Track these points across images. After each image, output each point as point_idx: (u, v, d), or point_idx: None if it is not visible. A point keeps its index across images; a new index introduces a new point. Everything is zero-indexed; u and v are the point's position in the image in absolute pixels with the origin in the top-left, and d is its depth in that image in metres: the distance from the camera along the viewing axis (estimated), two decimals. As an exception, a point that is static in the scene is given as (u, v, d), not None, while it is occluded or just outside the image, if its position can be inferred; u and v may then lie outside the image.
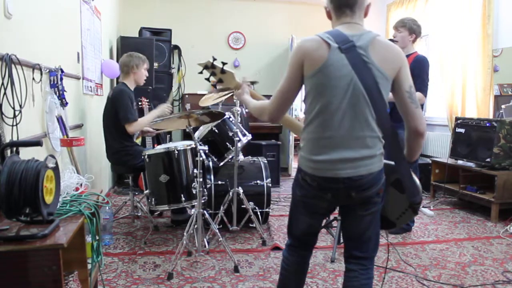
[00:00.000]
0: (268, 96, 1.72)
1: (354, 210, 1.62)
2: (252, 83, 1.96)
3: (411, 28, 3.33)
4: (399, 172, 1.63)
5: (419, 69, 3.29)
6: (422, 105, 3.37)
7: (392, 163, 1.64)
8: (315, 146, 1.55)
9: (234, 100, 3.27)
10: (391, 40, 3.44)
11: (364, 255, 1.66)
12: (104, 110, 3.39)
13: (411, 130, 1.61)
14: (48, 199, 1.49)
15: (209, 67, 1.94)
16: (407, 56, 3.38)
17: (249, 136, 3.46)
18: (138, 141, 4.06)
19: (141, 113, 3.90)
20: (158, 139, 4.88)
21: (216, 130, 3.37)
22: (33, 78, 2.29)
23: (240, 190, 3.23)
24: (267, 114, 1.65)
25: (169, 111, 3.42)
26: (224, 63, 1.95)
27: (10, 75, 1.90)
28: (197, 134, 3.39)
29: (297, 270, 1.77)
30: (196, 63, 2.01)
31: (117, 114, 3.23)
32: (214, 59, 1.93)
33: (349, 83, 1.47)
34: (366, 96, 1.48)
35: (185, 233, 2.71)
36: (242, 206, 3.23)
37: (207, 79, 1.95)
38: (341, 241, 3.08)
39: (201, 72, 1.98)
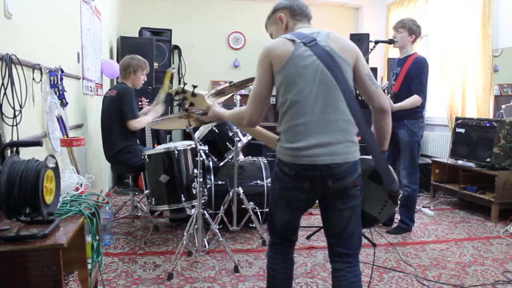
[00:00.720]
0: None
1: (333, 204, 1.65)
2: (194, 86, 2.03)
3: (410, 29, 3.33)
4: (374, 159, 1.65)
5: (418, 70, 3.29)
6: (421, 106, 3.38)
7: (368, 157, 1.68)
8: (291, 134, 1.60)
9: (234, 100, 3.28)
10: (391, 40, 3.45)
11: (348, 251, 1.69)
12: (106, 109, 3.39)
13: (376, 109, 1.70)
14: (48, 199, 1.49)
15: (180, 92, 2.02)
16: (407, 57, 3.38)
17: (249, 136, 3.45)
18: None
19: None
20: (158, 139, 4.88)
21: (216, 130, 3.37)
22: (33, 78, 2.29)
23: (240, 190, 3.23)
24: (246, 118, 1.71)
25: (163, 110, 3.48)
26: (194, 86, 2.03)
27: (10, 75, 1.90)
28: (197, 134, 3.38)
29: (283, 267, 1.80)
30: (165, 91, 2.11)
31: (122, 110, 3.25)
32: (185, 84, 2.03)
33: (316, 70, 1.57)
34: (334, 81, 1.57)
35: (185, 233, 2.71)
36: (242, 206, 3.23)
37: (179, 104, 2.05)
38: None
39: (173, 97, 2.08)
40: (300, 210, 1.76)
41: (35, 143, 1.62)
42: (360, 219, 1.70)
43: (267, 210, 3.49)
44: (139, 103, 4.00)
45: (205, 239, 2.93)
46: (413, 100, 3.27)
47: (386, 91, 3.33)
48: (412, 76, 3.30)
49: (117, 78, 4.84)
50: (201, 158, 2.70)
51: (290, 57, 1.58)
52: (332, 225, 1.70)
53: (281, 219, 1.75)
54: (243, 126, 1.78)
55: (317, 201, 1.74)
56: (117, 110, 3.28)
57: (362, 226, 1.75)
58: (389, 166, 1.67)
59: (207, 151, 3.10)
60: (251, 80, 3.15)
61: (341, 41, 1.64)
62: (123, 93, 3.29)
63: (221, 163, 3.42)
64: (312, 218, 3.89)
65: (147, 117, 3.44)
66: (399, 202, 1.74)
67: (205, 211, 2.85)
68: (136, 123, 3.28)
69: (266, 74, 1.64)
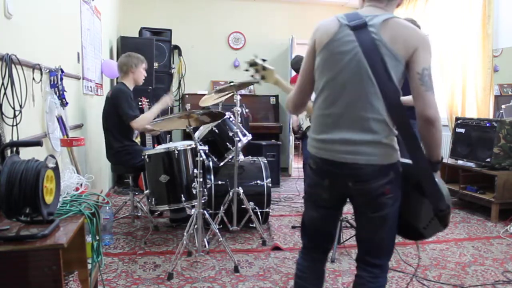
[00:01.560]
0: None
1: (361, 209, 1.55)
2: (264, 60, 2.07)
3: None
4: (417, 171, 1.44)
5: None
6: None
7: (409, 161, 1.48)
8: (318, 123, 1.54)
9: (235, 100, 3.28)
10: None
11: (374, 261, 1.57)
12: (103, 110, 3.39)
13: (419, 116, 1.41)
14: (48, 199, 1.49)
15: (253, 64, 2.03)
16: None
17: (249, 136, 3.46)
18: (138, 140, 4.06)
19: (141, 113, 3.89)
20: (158, 139, 4.88)
21: (216, 130, 3.37)
22: (33, 78, 2.29)
23: (240, 190, 3.22)
24: (289, 108, 1.70)
25: (172, 102, 3.41)
26: (264, 60, 2.04)
27: (10, 75, 1.90)
28: (197, 134, 3.38)
29: (312, 278, 1.66)
30: (243, 61, 2.13)
31: (118, 113, 3.23)
32: (255, 57, 2.03)
33: (352, 58, 1.42)
34: (371, 74, 1.40)
35: (185, 233, 2.71)
36: (242, 206, 3.23)
37: (252, 76, 2.05)
38: (341, 241, 3.10)
39: (246, 70, 2.07)
40: (325, 209, 1.61)
41: (35, 143, 1.62)
42: (393, 230, 1.55)
43: (267, 210, 3.50)
44: (139, 103, 4.00)
45: (205, 239, 2.93)
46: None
47: None
48: None
49: (117, 78, 4.85)
50: (201, 158, 2.70)
51: (330, 40, 1.46)
52: (360, 230, 1.60)
53: (309, 218, 1.66)
54: (289, 109, 1.75)
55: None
56: (111, 111, 3.28)
57: (406, 236, 1.62)
58: (438, 180, 1.44)
59: (207, 151, 3.10)
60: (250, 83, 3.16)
61: (397, 30, 1.41)
62: (116, 96, 3.26)
63: (221, 163, 3.42)
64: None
65: (150, 112, 3.37)
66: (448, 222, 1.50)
67: (205, 211, 2.85)
68: (135, 123, 3.22)
69: (310, 57, 1.55)
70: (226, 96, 3.35)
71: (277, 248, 3.08)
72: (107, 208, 3.00)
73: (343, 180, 1.49)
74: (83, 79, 3.55)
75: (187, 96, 6.09)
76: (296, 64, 4.33)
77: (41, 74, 2.38)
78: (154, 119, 3.19)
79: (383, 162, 1.44)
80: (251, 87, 6.22)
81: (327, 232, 1.67)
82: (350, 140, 1.44)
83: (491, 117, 4.42)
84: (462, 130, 4.25)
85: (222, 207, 3.25)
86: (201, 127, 3.46)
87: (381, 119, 1.42)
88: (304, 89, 1.61)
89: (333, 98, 1.47)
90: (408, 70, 1.42)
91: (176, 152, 2.95)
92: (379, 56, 1.39)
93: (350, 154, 1.44)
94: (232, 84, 3.04)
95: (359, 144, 1.43)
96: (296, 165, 6.20)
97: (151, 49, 5.01)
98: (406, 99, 3.46)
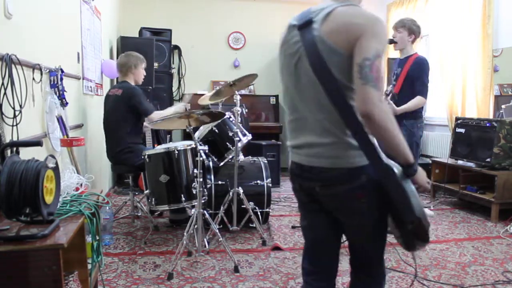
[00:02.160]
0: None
1: (338, 218, 1.45)
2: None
3: (410, 29, 3.33)
4: (377, 174, 1.30)
5: (419, 70, 3.29)
6: (422, 106, 3.39)
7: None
8: (289, 130, 1.51)
9: (234, 100, 3.28)
10: (391, 40, 3.45)
11: (362, 269, 1.52)
12: (111, 108, 3.39)
13: (358, 113, 1.27)
14: (48, 199, 1.49)
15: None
16: (408, 57, 3.38)
17: (249, 136, 3.46)
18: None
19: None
20: (158, 139, 4.88)
21: (216, 130, 3.37)
22: (33, 78, 2.29)
23: (240, 190, 3.22)
24: None
25: (187, 109, 3.48)
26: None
27: (10, 75, 1.90)
28: (197, 134, 3.38)
29: None
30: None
31: (137, 109, 3.30)
32: None
33: (297, 60, 1.36)
34: (312, 73, 1.31)
35: (185, 233, 2.71)
36: (242, 206, 3.23)
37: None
38: (341, 240, 3.09)
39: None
40: (311, 213, 1.51)
41: (35, 143, 1.62)
42: (379, 241, 1.46)
43: (267, 210, 3.50)
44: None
45: (205, 239, 2.93)
46: (416, 101, 3.28)
47: (390, 95, 3.31)
48: (413, 77, 3.30)
49: (117, 78, 4.84)
50: (201, 158, 2.70)
51: (282, 43, 1.43)
52: (346, 237, 1.53)
53: (302, 227, 1.59)
54: None
55: None
56: (125, 108, 3.31)
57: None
58: (408, 187, 1.28)
59: (207, 151, 3.10)
60: (252, 76, 3.16)
61: (338, 21, 1.28)
62: (133, 94, 3.32)
63: (221, 163, 3.42)
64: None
65: (164, 111, 3.48)
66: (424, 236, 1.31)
67: (205, 211, 2.85)
68: (155, 115, 3.32)
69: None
70: (226, 96, 3.35)
71: (277, 248, 3.08)
72: (107, 208, 3.01)
73: (310, 184, 1.42)
74: (83, 79, 3.55)
75: (187, 96, 6.08)
76: None
77: (41, 74, 2.38)
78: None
79: (350, 165, 1.33)
80: (251, 87, 6.22)
81: (326, 248, 1.53)
82: (313, 143, 1.37)
83: (491, 117, 4.42)
84: (462, 130, 4.25)
85: (222, 207, 3.25)
86: (201, 127, 3.46)
87: (336, 119, 1.31)
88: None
89: (294, 103, 1.43)
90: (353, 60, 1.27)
91: (176, 152, 2.95)
92: (318, 54, 1.28)
93: (316, 157, 1.37)
94: (231, 84, 3.04)
95: (322, 146, 1.35)
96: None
97: (151, 49, 5.00)
98: (408, 106, 3.35)
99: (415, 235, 1.31)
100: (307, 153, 1.39)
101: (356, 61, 1.24)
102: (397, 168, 1.30)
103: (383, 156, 1.30)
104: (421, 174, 1.36)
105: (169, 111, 3.47)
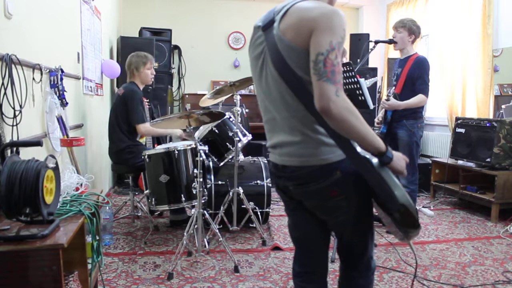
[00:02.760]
0: None
1: (318, 214, 1.45)
2: None
3: (410, 29, 3.33)
4: (357, 168, 1.30)
5: (420, 70, 3.29)
6: (423, 106, 3.39)
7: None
8: (265, 131, 1.49)
9: (234, 100, 3.28)
10: (391, 40, 3.44)
11: (348, 263, 1.54)
12: (114, 107, 3.42)
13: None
14: (48, 199, 1.49)
15: None
16: (408, 57, 3.38)
17: (249, 136, 3.46)
18: (142, 141, 4.07)
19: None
20: (158, 139, 4.88)
21: (216, 130, 3.37)
22: (33, 78, 2.29)
23: (240, 190, 3.22)
24: None
25: (181, 138, 3.49)
26: None
27: (10, 75, 1.90)
28: (197, 134, 3.38)
29: None
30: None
31: (128, 114, 3.29)
32: None
33: (262, 61, 1.35)
34: (275, 72, 1.30)
35: (185, 233, 2.71)
36: (242, 206, 3.23)
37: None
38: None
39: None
40: (295, 213, 1.51)
41: (35, 143, 1.62)
42: (363, 235, 1.47)
43: (267, 210, 3.50)
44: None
45: (205, 239, 2.93)
46: (418, 99, 3.28)
47: (391, 96, 3.31)
48: (414, 77, 3.30)
49: (117, 78, 4.85)
50: (201, 158, 2.70)
51: (249, 45, 1.42)
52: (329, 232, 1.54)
53: (288, 227, 1.59)
54: None
55: None
56: (122, 109, 3.32)
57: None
58: (387, 176, 1.28)
59: (207, 151, 3.10)
60: (251, 79, 3.15)
61: (293, 17, 1.26)
62: (130, 96, 3.32)
63: (221, 163, 3.42)
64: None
65: (158, 130, 3.41)
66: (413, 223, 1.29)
67: (205, 211, 2.85)
68: (144, 128, 3.31)
69: None
70: (226, 96, 3.35)
71: (277, 248, 3.08)
72: (107, 208, 3.01)
73: (284, 183, 1.42)
74: (83, 79, 3.55)
75: (187, 96, 6.09)
76: None
77: (41, 74, 2.38)
78: (154, 119, 3.20)
79: (322, 162, 1.31)
80: (251, 87, 6.22)
81: (314, 248, 1.53)
82: (284, 143, 1.37)
83: (491, 117, 4.42)
84: (462, 130, 4.25)
85: (222, 207, 3.25)
86: (201, 127, 3.46)
87: (302, 115, 1.30)
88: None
89: (264, 104, 1.42)
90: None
91: (176, 152, 2.95)
92: (277, 51, 1.27)
93: (287, 156, 1.36)
94: (231, 84, 3.04)
95: (292, 145, 1.34)
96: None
97: (151, 49, 5.00)
98: (410, 102, 3.38)
99: (404, 223, 1.28)
100: (280, 153, 1.40)
101: (311, 58, 1.21)
102: (375, 159, 1.29)
103: (359, 148, 1.28)
104: (396, 160, 1.31)
105: (164, 131, 3.45)
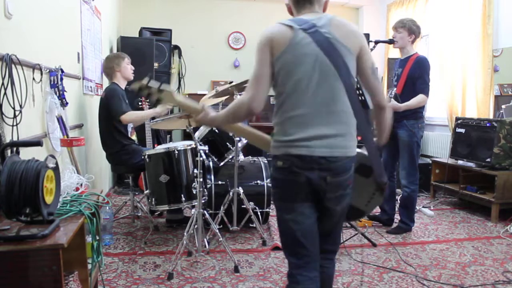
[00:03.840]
0: (267, 97, 1.68)
1: (327, 206, 1.57)
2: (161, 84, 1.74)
3: (410, 29, 3.33)
4: (368, 150, 1.61)
5: (420, 70, 3.29)
6: (421, 106, 3.38)
7: (359, 150, 1.65)
8: (289, 125, 1.52)
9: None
10: (391, 40, 3.45)
11: (334, 248, 1.72)
12: (99, 111, 3.40)
13: (375, 104, 1.66)
14: (48, 199, 1.49)
15: (143, 88, 1.74)
16: (408, 58, 3.38)
17: (249, 136, 3.45)
18: (134, 137, 4.06)
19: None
20: (158, 139, 4.88)
21: (216, 130, 3.37)
22: (33, 78, 2.29)
23: (241, 190, 3.22)
24: (246, 103, 1.54)
25: (166, 112, 3.44)
26: (161, 83, 1.75)
27: (10, 75, 1.90)
28: (197, 134, 3.38)
29: None
30: (131, 86, 1.81)
31: (109, 111, 3.24)
32: (150, 79, 1.73)
33: (315, 59, 1.49)
34: (334, 70, 1.49)
35: (185, 233, 2.71)
36: (243, 206, 3.22)
37: (146, 99, 1.84)
38: (341, 240, 3.09)
39: (137, 94, 1.81)
40: (304, 207, 1.55)
41: (35, 143, 1.62)
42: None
43: (267, 210, 3.50)
44: (139, 103, 4.01)
45: (205, 239, 2.93)
46: (419, 99, 3.28)
47: (392, 97, 3.31)
48: (414, 77, 3.30)
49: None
50: (201, 158, 2.70)
51: (289, 44, 1.50)
52: (324, 224, 1.62)
53: (288, 220, 1.57)
54: (241, 116, 1.61)
55: None
56: (105, 111, 3.30)
57: (348, 220, 1.77)
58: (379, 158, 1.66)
59: (207, 151, 3.10)
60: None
61: (344, 27, 1.53)
62: (108, 94, 3.30)
63: (221, 163, 3.42)
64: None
65: (143, 112, 3.43)
66: (391, 196, 1.74)
67: (205, 211, 2.85)
68: (126, 116, 3.20)
69: (266, 57, 1.53)
70: (226, 97, 3.35)
71: (277, 248, 3.08)
72: (107, 208, 3.01)
73: (321, 175, 1.50)
74: (83, 79, 3.55)
75: (187, 96, 6.08)
76: None
77: (41, 74, 2.38)
78: (154, 119, 3.20)
79: (353, 154, 1.55)
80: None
81: (315, 235, 1.60)
82: (325, 135, 1.49)
83: (491, 117, 4.42)
84: (462, 130, 4.25)
85: (222, 207, 3.25)
86: (201, 127, 3.46)
87: (349, 111, 1.53)
88: (263, 79, 1.54)
89: (303, 99, 1.50)
90: (358, 65, 1.57)
91: (176, 152, 2.95)
92: (338, 53, 1.49)
93: (327, 147, 1.49)
94: (231, 84, 3.04)
95: (335, 136, 1.50)
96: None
97: (151, 49, 5.01)
98: (410, 103, 3.39)
99: (383, 193, 1.73)
100: (317, 144, 1.49)
101: (368, 64, 1.57)
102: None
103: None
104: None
105: (147, 112, 3.41)
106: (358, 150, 1.64)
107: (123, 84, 3.45)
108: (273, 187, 1.64)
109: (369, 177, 1.68)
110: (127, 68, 3.47)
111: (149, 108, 4.20)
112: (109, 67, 3.44)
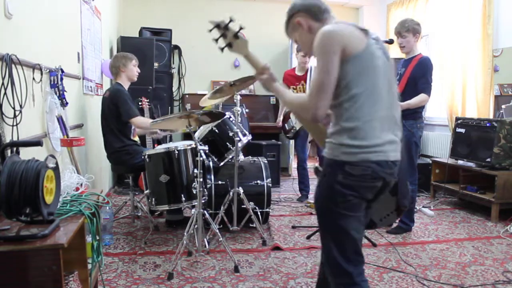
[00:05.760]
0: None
1: (371, 206, 1.63)
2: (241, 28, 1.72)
3: (414, 30, 3.33)
4: (399, 170, 1.60)
5: (423, 70, 3.29)
6: (421, 106, 3.38)
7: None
8: (367, 129, 1.47)
9: (235, 100, 3.28)
10: (391, 40, 3.44)
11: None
12: (101, 110, 3.40)
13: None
14: (48, 199, 1.49)
15: (221, 27, 1.69)
16: (412, 58, 3.38)
17: (249, 136, 3.46)
18: (137, 139, 4.06)
19: (141, 113, 3.90)
20: (158, 139, 4.88)
21: (216, 130, 3.37)
22: (33, 78, 2.29)
23: (241, 190, 3.22)
24: (312, 113, 1.47)
25: (164, 135, 3.51)
26: (241, 28, 1.72)
27: (10, 75, 1.90)
28: (197, 134, 3.38)
29: None
30: (209, 21, 1.80)
31: (118, 112, 3.25)
32: (231, 20, 1.69)
33: (384, 64, 1.55)
34: (394, 78, 1.63)
35: (185, 233, 2.71)
36: (243, 206, 3.23)
37: (216, 40, 1.81)
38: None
39: (210, 30, 1.77)
40: (364, 211, 1.57)
41: (35, 143, 1.62)
42: None
43: (267, 210, 3.50)
44: (139, 103, 4.01)
45: (205, 239, 2.93)
46: (420, 98, 3.28)
47: None
48: (416, 77, 3.30)
49: (111, 80, 4.85)
50: (201, 158, 2.70)
51: (366, 47, 1.49)
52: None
53: (357, 228, 1.54)
54: (302, 117, 1.67)
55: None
56: (110, 111, 3.30)
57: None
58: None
59: (207, 151, 3.10)
60: (251, 78, 3.15)
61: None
62: (116, 96, 3.29)
63: (221, 163, 3.42)
64: (312, 218, 3.88)
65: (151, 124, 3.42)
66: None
67: (205, 211, 2.85)
68: (137, 120, 3.28)
69: (337, 60, 1.45)
70: (227, 96, 3.35)
71: (277, 248, 3.08)
72: (107, 208, 3.01)
73: (391, 178, 1.56)
74: (83, 79, 3.55)
75: (187, 96, 6.09)
76: None
77: (41, 74, 2.38)
78: (155, 119, 3.20)
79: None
80: (251, 87, 6.22)
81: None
82: (394, 139, 1.55)
83: (491, 117, 4.42)
84: (462, 130, 4.25)
85: (222, 207, 3.25)
86: (201, 127, 3.46)
87: (400, 117, 1.61)
88: (332, 87, 1.47)
89: (380, 103, 1.52)
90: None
91: (176, 152, 2.95)
92: (390, 61, 1.59)
93: (395, 152, 1.55)
94: (231, 84, 3.04)
95: (398, 141, 1.58)
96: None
97: (151, 49, 5.01)
98: (411, 102, 3.41)
99: (399, 215, 1.80)
100: (389, 149, 1.53)
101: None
102: None
103: None
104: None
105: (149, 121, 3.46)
106: None
107: (126, 85, 3.46)
108: (340, 195, 1.49)
109: (394, 196, 1.68)
110: (133, 70, 3.47)
111: (149, 108, 4.21)
112: (115, 66, 3.44)
